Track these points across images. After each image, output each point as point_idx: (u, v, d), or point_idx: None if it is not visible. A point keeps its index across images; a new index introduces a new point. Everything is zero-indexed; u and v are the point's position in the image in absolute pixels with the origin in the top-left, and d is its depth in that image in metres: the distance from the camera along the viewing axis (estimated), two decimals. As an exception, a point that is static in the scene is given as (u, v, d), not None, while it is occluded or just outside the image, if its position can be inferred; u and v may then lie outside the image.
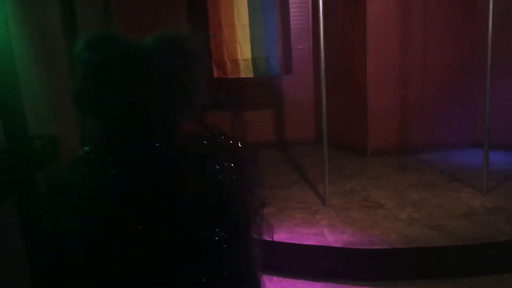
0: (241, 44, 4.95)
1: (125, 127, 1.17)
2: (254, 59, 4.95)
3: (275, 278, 3.66)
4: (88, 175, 1.16)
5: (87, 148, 1.24)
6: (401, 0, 5.68)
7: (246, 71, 4.97)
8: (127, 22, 5.79)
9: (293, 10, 5.95)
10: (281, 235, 3.95)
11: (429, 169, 5.40)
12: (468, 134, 5.84)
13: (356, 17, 5.72)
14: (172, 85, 1.16)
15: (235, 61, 5.00)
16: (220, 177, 1.18)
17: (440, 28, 5.72)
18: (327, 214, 4.40)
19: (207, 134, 1.25)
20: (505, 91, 5.51)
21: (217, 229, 1.15)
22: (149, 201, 1.12)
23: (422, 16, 5.72)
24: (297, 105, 6.46)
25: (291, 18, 5.93)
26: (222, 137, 1.26)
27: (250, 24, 5.00)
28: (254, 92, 6.22)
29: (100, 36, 1.19)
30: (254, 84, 5.99)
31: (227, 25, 5.07)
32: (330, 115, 4.64)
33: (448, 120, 5.91)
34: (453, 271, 3.64)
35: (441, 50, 5.78)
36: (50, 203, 1.22)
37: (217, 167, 1.19)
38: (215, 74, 5.35)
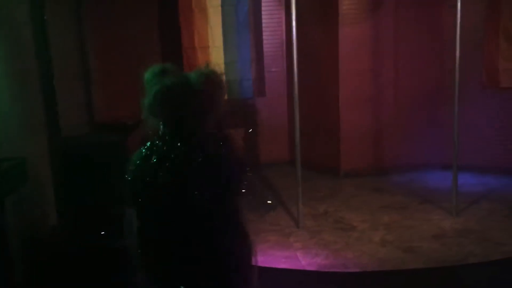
0: (214, 66, 4.97)
1: (177, 124, 1.98)
2: (227, 82, 4.96)
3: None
4: (167, 146, 1.98)
5: (155, 138, 2.02)
6: (372, 25, 5.82)
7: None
8: (100, 43, 5.80)
9: (267, 32, 6.01)
10: (254, 258, 3.92)
11: (400, 191, 5.47)
12: (438, 156, 5.95)
13: (329, 41, 5.83)
14: (205, 101, 1.96)
15: (209, 83, 5.01)
16: (223, 149, 2.05)
17: (410, 54, 5.87)
18: (300, 236, 4.40)
19: (219, 131, 2.08)
20: (472, 114, 5.67)
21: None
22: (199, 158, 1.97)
23: (393, 41, 5.86)
24: (271, 127, 6.48)
25: (266, 41, 5.99)
26: (226, 133, 2.12)
27: (225, 46, 5.03)
28: (227, 114, 6.22)
29: (162, 69, 1.99)
30: (228, 106, 6.00)
31: (201, 47, 5.09)
32: (304, 137, 4.68)
33: (419, 143, 6.02)
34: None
35: (412, 75, 5.92)
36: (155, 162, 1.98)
37: (222, 144, 2.06)
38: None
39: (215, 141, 2.05)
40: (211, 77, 2.00)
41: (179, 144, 1.95)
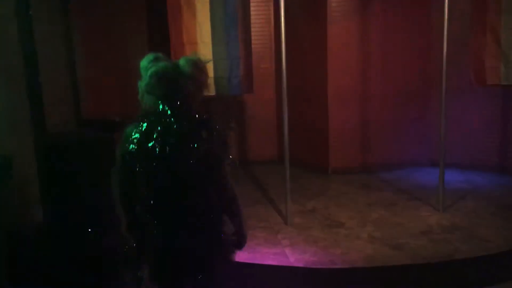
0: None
1: (171, 100, 2.33)
2: (216, 78, 4.94)
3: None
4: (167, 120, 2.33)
5: (151, 115, 2.34)
6: (361, 22, 5.83)
7: (208, 89, 4.95)
8: (87, 39, 5.75)
9: (255, 29, 6.00)
10: (242, 255, 3.90)
11: (388, 188, 5.50)
12: (425, 154, 5.99)
13: (317, 39, 5.83)
14: (191, 82, 2.32)
15: (197, 79, 4.98)
16: (208, 124, 2.37)
17: (398, 52, 5.89)
18: (289, 233, 4.40)
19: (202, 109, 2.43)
20: (459, 112, 5.71)
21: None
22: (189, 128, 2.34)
23: (381, 39, 5.87)
24: (259, 124, 6.48)
25: (255, 38, 5.98)
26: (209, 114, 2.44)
27: (213, 42, 4.99)
28: (216, 111, 6.21)
29: (156, 56, 2.35)
30: (216, 102, 5.98)
31: (189, 43, 5.06)
32: (292, 135, 4.67)
33: (407, 140, 6.06)
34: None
35: (400, 73, 5.94)
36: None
37: (205, 118, 2.39)
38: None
39: (202, 118, 2.41)
40: (196, 63, 2.38)
41: (178, 119, 2.31)
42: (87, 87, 5.89)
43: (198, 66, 2.37)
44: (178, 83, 2.31)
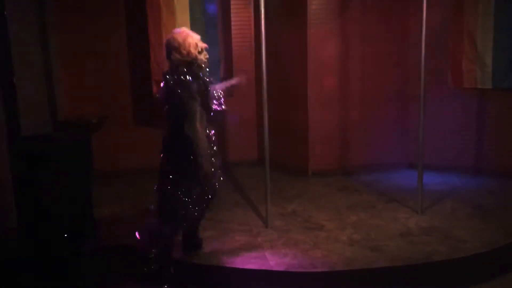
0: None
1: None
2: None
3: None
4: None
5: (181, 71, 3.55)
6: (341, 26, 5.85)
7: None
8: (64, 39, 5.64)
9: (236, 31, 5.99)
10: (222, 259, 3.89)
11: (367, 190, 5.53)
12: (403, 156, 6.05)
13: (298, 41, 5.83)
14: (176, 52, 3.51)
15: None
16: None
17: (377, 54, 5.94)
18: (269, 236, 4.38)
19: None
20: (437, 114, 5.79)
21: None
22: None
23: (361, 42, 5.91)
24: (239, 126, 6.45)
25: (235, 39, 5.97)
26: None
27: (193, 44, 4.95)
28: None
29: (175, 31, 3.68)
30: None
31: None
32: (272, 137, 4.66)
33: (385, 143, 6.11)
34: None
35: (379, 76, 5.98)
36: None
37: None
38: (155, 92, 5.31)
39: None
40: (174, 36, 3.53)
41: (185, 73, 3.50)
42: (64, 88, 5.79)
43: (173, 39, 3.49)
44: (171, 52, 3.49)
